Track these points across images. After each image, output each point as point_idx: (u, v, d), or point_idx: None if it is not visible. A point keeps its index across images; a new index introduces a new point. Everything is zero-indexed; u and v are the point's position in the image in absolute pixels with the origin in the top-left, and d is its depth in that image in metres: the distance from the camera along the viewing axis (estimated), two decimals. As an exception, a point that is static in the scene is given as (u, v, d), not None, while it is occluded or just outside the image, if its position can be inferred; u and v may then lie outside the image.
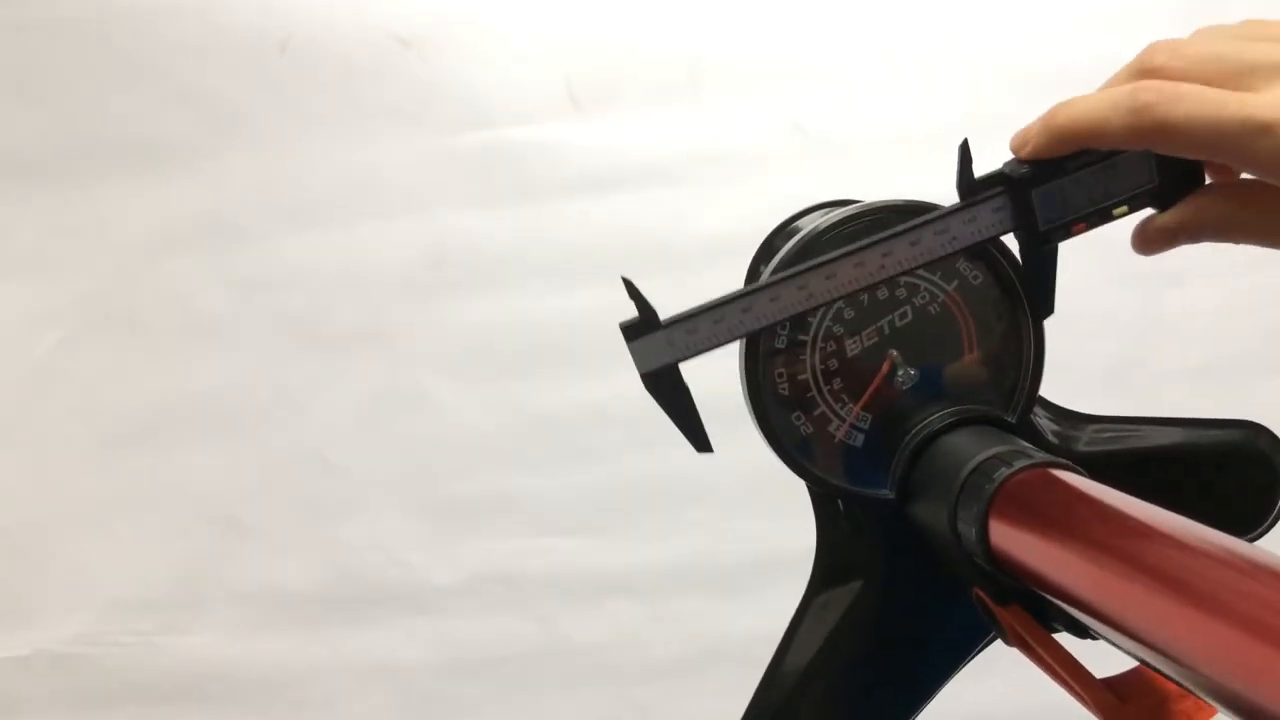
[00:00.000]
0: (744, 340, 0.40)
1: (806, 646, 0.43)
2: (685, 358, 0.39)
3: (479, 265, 1.06)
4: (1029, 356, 0.40)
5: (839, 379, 0.40)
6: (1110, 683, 0.33)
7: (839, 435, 0.40)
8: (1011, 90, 1.00)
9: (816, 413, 0.40)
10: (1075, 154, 0.37)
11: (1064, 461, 0.34)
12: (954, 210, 0.38)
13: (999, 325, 0.40)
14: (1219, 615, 0.24)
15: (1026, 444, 0.37)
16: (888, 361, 0.40)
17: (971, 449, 0.37)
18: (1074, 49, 0.98)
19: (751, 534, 1.05)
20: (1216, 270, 1.01)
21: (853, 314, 0.39)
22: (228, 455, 1.07)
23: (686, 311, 0.38)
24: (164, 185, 1.07)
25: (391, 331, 1.07)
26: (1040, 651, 0.35)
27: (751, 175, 1.04)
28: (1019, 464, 0.34)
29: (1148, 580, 0.26)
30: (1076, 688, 0.34)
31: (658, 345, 0.38)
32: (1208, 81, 0.33)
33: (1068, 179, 0.37)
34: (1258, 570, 0.24)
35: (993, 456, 0.35)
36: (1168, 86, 0.33)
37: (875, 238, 0.37)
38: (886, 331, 0.40)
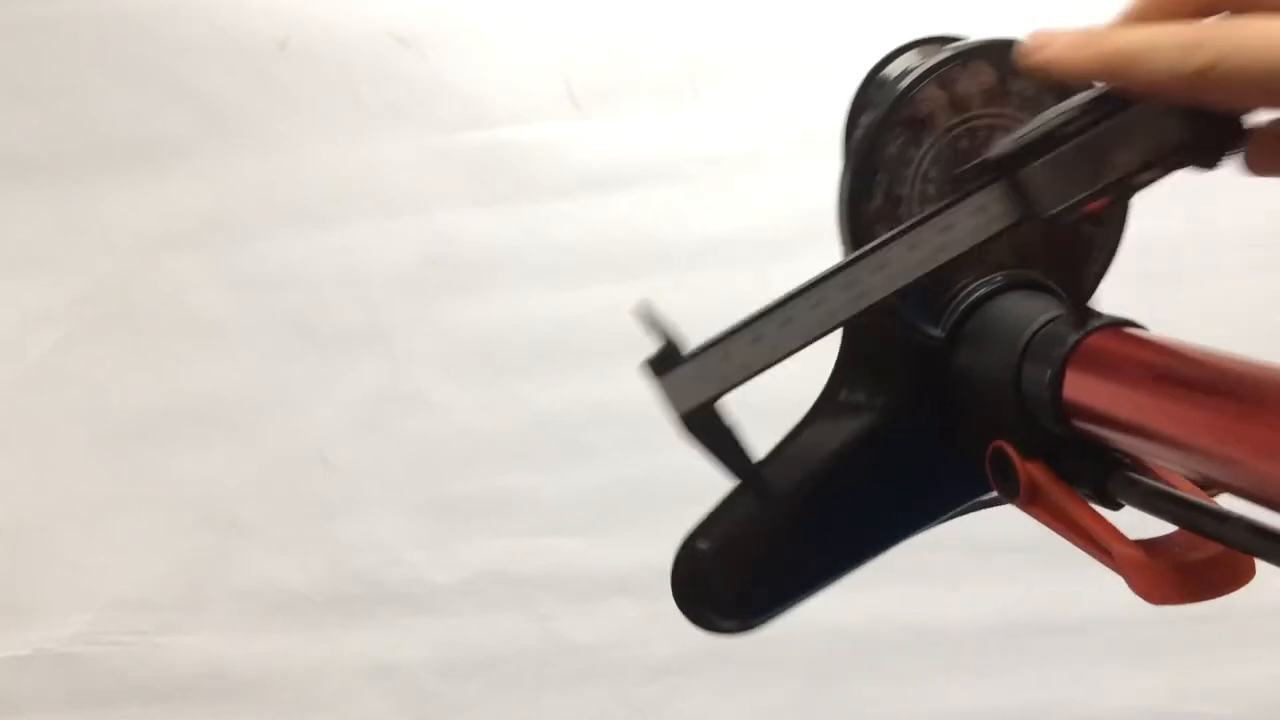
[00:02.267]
0: (853, 155, 0.38)
1: (799, 463, 0.43)
2: (725, 391, 0.35)
3: (479, 265, 1.06)
4: (1106, 243, 0.41)
5: (932, 205, 0.38)
6: (1142, 543, 0.33)
7: None
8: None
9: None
10: (1074, 113, 0.32)
11: (1135, 322, 0.35)
12: (945, 207, 0.35)
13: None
14: None
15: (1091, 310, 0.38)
16: None
17: (1039, 308, 0.37)
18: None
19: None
20: (1217, 270, 1.01)
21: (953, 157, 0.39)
22: (228, 455, 1.07)
23: (716, 336, 0.34)
24: (164, 185, 1.07)
25: (391, 331, 1.07)
26: (1063, 504, 0.35)
27: (751, 175, 1.04)
28: (1094, 323, 0.34)
29: (1250, 409, 0.27)
30: (1100, 539, 0.34)
31: (689, 380, 0.34)
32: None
33: (1068, 148, 0.32)
34: None
35: (1061, 317, 0.36)
36: (1245, 36, 0.26)
37: (900, 229, 0.35)
38: None
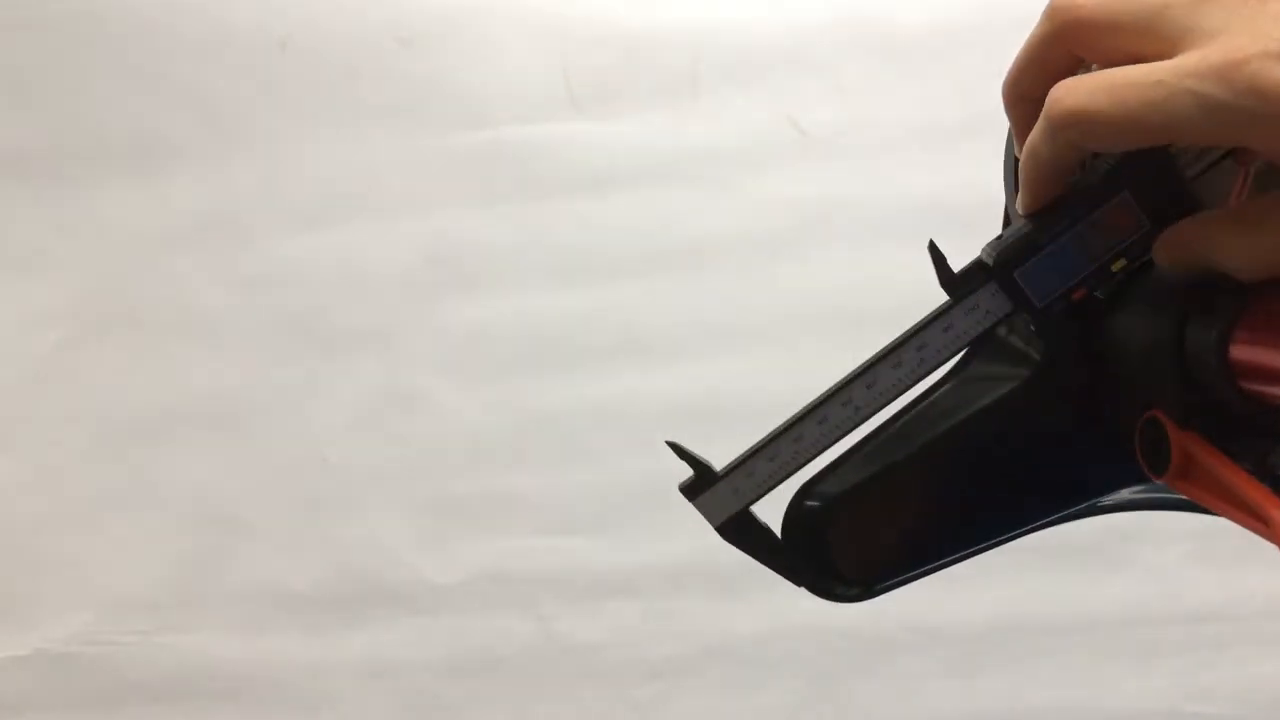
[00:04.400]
0: None
1: (926, 428, 0.41)
2: (754, 500, 0.39)
3: (479, 265, 1.06)
4: None
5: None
6: None
7: None
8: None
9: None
10: (1048, 220, 0.35)
11: None
12: (946, 309, 0.37)
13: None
14: None
15: None
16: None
17: None
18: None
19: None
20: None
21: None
22: (228, 455, 1.07)
23: (739, 458, 0.39)
24: (164, 185, 1.07)
25: (391, 331, 1.07)
26: (1221, 474, 0.34)
27: (751, 175, 1.04)
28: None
29: None
30: (1259, 508, 0.32)
31: (723, 497, 0.40)
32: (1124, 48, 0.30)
33: (1050, 248, 0.35)
34: None
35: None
36: (1078, 86, 0.30)
37: (888, 347, 0.38)
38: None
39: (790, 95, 1.04)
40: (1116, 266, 0.36)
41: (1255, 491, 0.33)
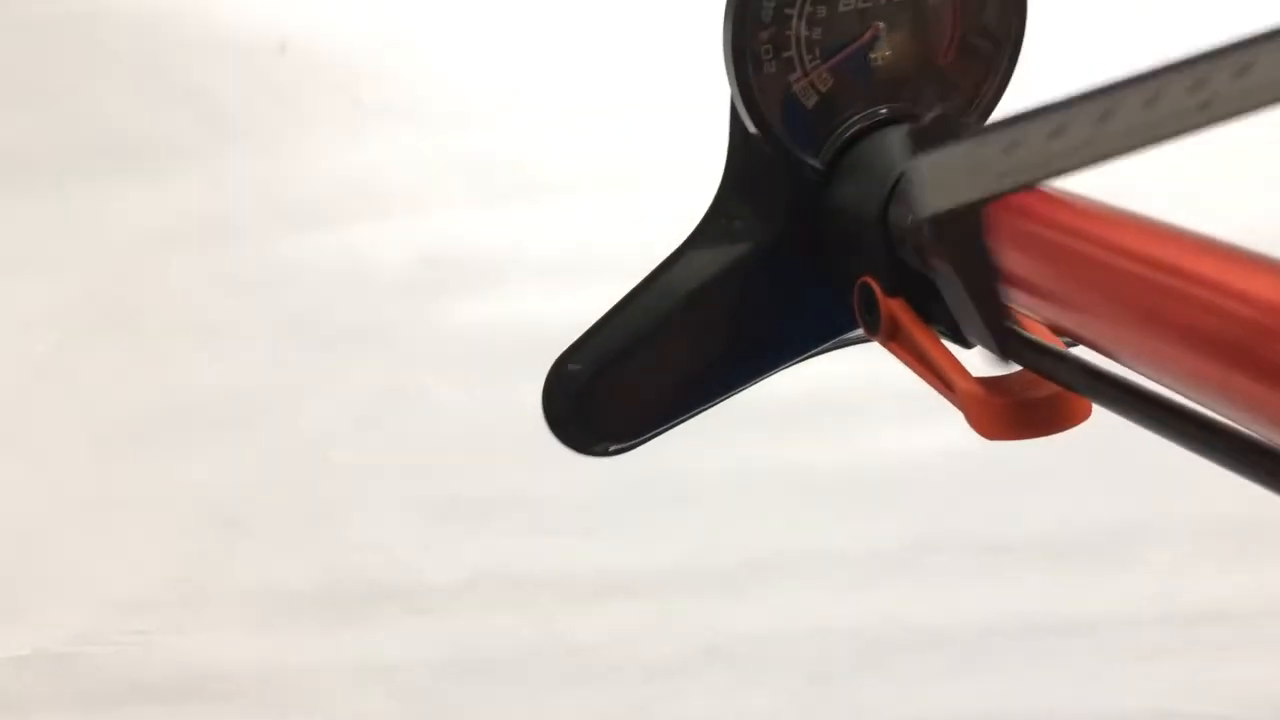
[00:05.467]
0: None
1: (677, 286, 0.44)
2: (1002, 192, 0.27)
3: (479, 265, 1.06)
4: (997, 74, 0.40)
5: (820, 30, 0.39)
6: (984, 379, 0.35)
7: (795, 87, 0.39)
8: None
9: (786, 55, 0.39)
10: None
11: None
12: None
13: (979, 33, 0.40)
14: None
15: None
16: (871, 31, 0.39)
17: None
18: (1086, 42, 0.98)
19: (751, 534, 1.05)
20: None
21: None
22: (228, 455, 1.07)
23: (998, 123, 0.26)
24: (164, 185, 1.07)
25: (391, 331, 1.07)
26: (918, 340, 0.36)
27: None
28: None
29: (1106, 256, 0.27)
30: (947, 376, 0.35)
31: (955, 167, 0.28)
32: None
33: None
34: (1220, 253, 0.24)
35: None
36: None
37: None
38: (882, 1, 0.39)
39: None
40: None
41: (944, 358, 0.36)
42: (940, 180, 0.29)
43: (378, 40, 1.06)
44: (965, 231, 0.31)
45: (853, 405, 1.02)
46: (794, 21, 0.39)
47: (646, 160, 1.05)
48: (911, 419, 1.01)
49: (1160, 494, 1.04)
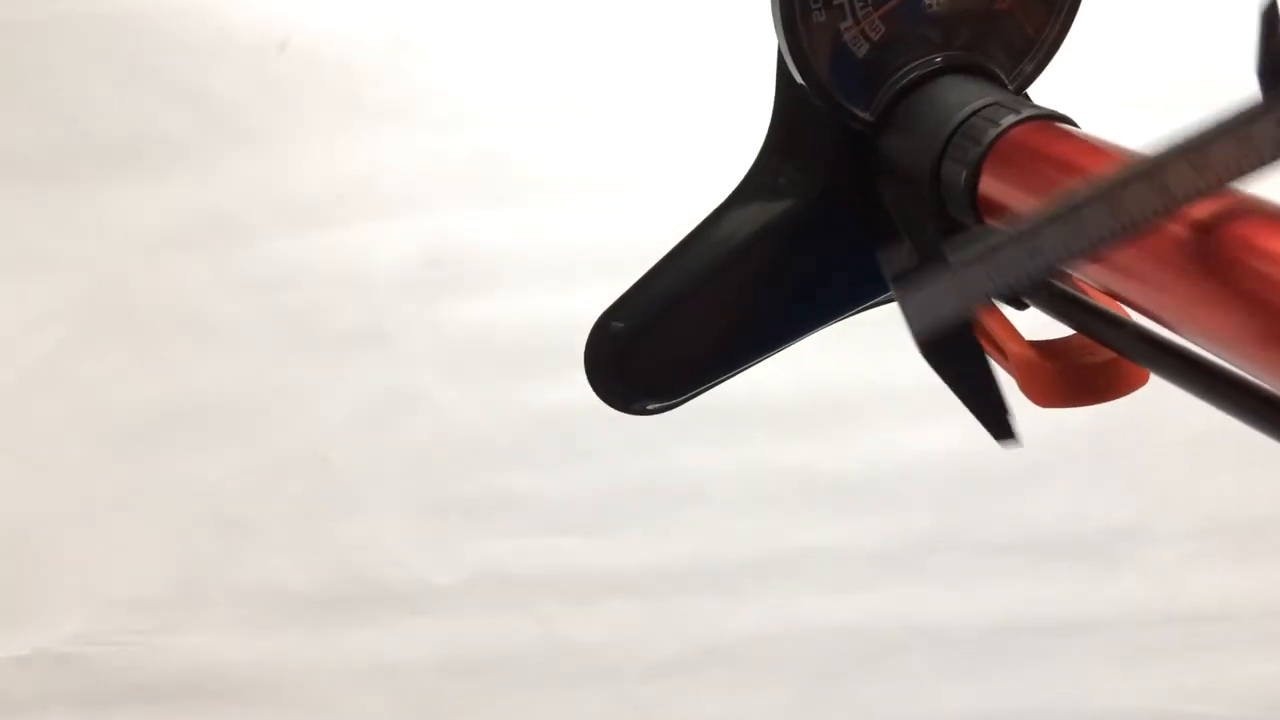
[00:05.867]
0: None
1: (720, 242, 0.42)
2: (1001, 293, 0.27)
3: (479, 265, 1.06)
4: (1053, 30, 0.39)
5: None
6: (1038, 344, 0.33)
7: (846, 35, 0.37)
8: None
9: (837, 1, 0.37)
10: None
11: (1067, 116, 0.33)
12: (1262, 111, 0.24)
13: None
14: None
15: (1028, 99, 0.36)
16: None
17: (975, 93, 0.35)
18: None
19: (751, 534, 1.04)
20: None
21: None
22: (228, 455, 1.07)
23: (1023, 227, 0.26)
24: (164, 185, 1.07)
25: (391, 331, 1.07)
26: None
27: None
28: (1027, 112, 0.33)
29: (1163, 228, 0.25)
30: (1001, 340, 0.34)
31: (961, 286, 0.27)
32: None
33: None
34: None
35: (997, 103, 0.34)
36: None
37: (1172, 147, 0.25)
38: None
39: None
40: None
41: (996, 322, 0.34)
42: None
43: (378, 41, 1.06)
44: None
45: (853, 405, 1.02)
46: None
47: (647, 160, 1.05)
48: (912, 419, 1.01)
49: (1160, 494, 1.04)
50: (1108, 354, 0.32)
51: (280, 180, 1.06)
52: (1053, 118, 0.33)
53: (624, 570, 1.06)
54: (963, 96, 0.36)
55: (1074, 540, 1.05)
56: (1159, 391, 0.30)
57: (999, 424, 0.31)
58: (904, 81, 0.38)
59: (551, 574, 1.07)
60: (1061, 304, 0.32)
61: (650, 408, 0.44)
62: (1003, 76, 0.38)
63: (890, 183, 0.38)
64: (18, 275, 1.08)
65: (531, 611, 1.07)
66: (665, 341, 0.43)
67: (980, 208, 0.33)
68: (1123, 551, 1.05)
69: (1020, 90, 0.39)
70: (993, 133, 0.33)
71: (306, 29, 1.06)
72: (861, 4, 0.37)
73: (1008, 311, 0.35)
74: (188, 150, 1.06)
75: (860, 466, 1.04)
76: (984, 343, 0.35)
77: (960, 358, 0.30)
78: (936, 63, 0.38)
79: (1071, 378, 0.32)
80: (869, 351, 0.91)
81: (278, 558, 1.07)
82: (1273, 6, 0.24)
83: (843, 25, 0.37)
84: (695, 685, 1.06)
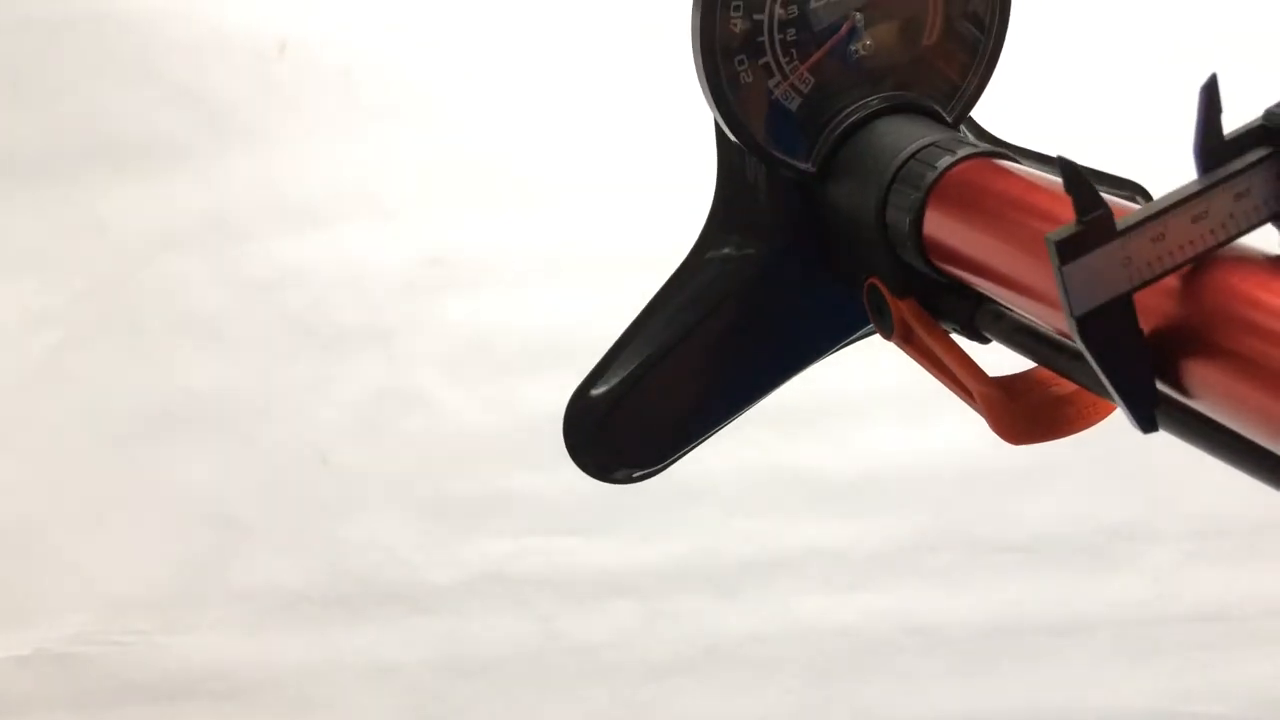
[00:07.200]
0: None
1: (684, 306, 0.42)
2: (1145, 283, 0.26)
3: (479, 265, 1.06)
4: (984, 58, 0.39)
5: (794, 30, 0.37)
6: (1001, 381, 0.33)
7: (776, 92, 0.38)
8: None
9: (761, 61, 0.38)
10: None
11: (1006, 151, 0.33)
12: (1204, 188, 0.25)
13: (965, 9, 0.38)
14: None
15: (967, 134, 0.37)
16: (848, 23, 0.38)
17: (911, 134, 0.36)
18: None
19: (751, 534, 1.04)
20: None
21: None
22: (228, 455, 1.07)
23: (1151, 209, 0.25)
24: (164, 185, 1.07)
25: (391, 331, 1.07)
26: (930, 344, 0.35)
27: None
28: (963, 151, 0.33)
29: None
30: (964, 380, 0.34)
31: (1109, 265, 0.25)
32: None
33: None
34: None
35: (934, 144, 0.34)
36: None
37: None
38: None
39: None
40: None
41: (960, 362, 0.34)
42: (1094, 278, 0.25)
43: (378, 39, 1.06)
44: (1115, 324, 0.26)
45: (853, 406, 1.02)
46: (765, 26, 0.37)
47: (651, 161, 1.05)
48: (911, 420, 1.01)
49: (1160, 494, 1.04)
50: (1070, 387, 0.32)
51: (280, 180, 1.06)
52: (989, 154, 0.33)
53: (624, 570, 1.06)
54: (898, 140, 0.36)
55: (1074, 540, 1.05)
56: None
57: (1144, 413, 0.27)
58: (840, 129, 0.38)
59: (551, 574, 1.07)
60: (1023, 338, 0.32)
61: (636, 475, 0.44)
62: (940, 110, 0.39)
63: (840, 230, 0.38)
64: (18, 275, 1.08)
65: (531, 611, 1.07)
66: (644, 407, 0.42)
67: (927, 250, 0.34)
68: (1123, 551, 1.05)
69: (960, 120, 0.39)
70: (930, 176, 0.33)
71: (306, 29, 1.06)
72: (787, 59, 0.38)
73: (970, 348, 0.35)
74: (188, 150, 1.06)
75: (860, 466, 1.04)
76: (949, 384, 0.35)
77: (1123, 336, 0.26)
78: (872, 105, 0.38)
79: (1037, 413, 0.32)
80: (868, 351, 0.91)
81: (278, 558, 1.07)
82: (1214, 82, 0.24)
83: (771, 83, 0.38)
84: (695, 685, 1.06)
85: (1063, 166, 0.25)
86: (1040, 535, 1.05)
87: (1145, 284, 0.25)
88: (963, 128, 0.40)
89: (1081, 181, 0.25)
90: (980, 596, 1.05)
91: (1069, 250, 0.25)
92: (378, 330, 1.07)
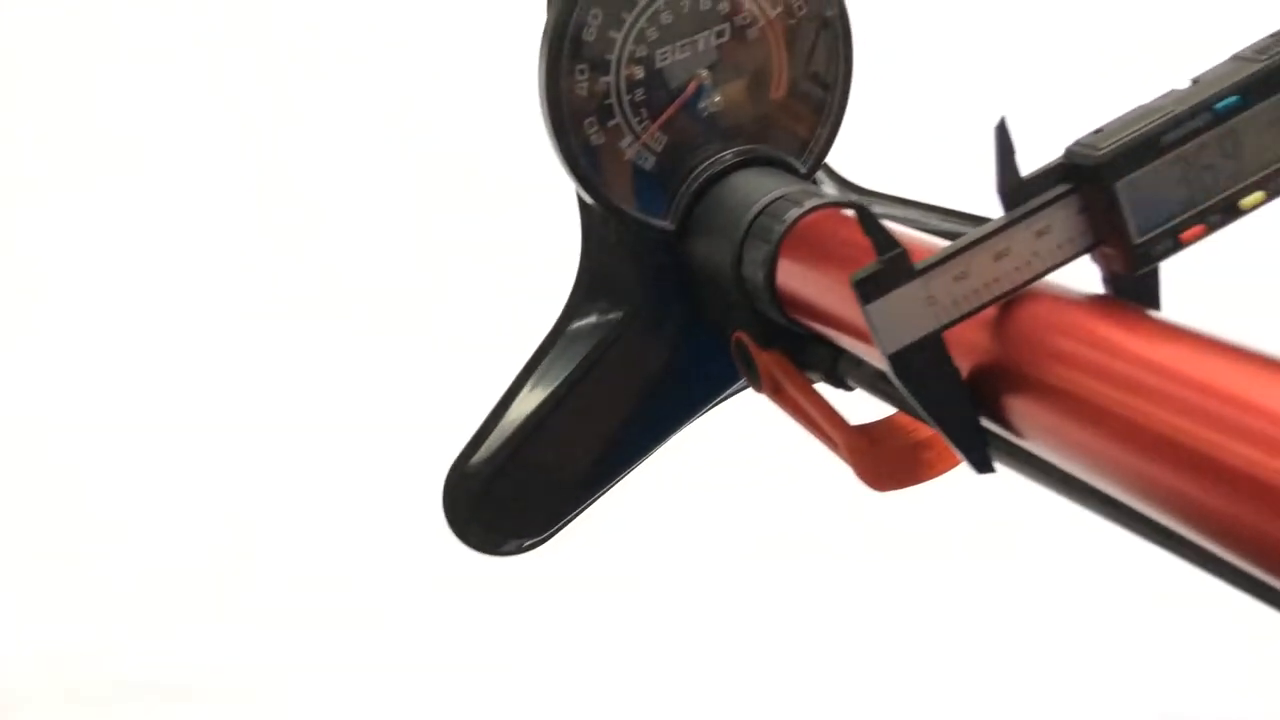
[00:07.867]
0: (551, 26, 0.38)
1: (556, 371, 0.42)
2: (953, 321, 0.26)
3: (479, 263, 1.06)
4: (832, 108, 0.39)
5: (643, 90, 0.38)
6: (863, 429, 0.34)
7: (629, 153, 0.38)
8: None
9: (611, 124, 0.38)
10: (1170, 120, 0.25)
11: (855, 200, 0.34)
12: (1002, 226, 0.26)
13: (809, 68, 0.39)
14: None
15: (821, 185, 0.37)
16: (694, 82, 0.38)
17: (762, 188, 0.36)
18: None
19: (751, 533, 1.04)
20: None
21: (671, 19, 0.37)
22: (228, 454, 1.07)
23: (951, 248, 0.26)
24: (163, 185, 1.07)
25: (391, 330, 1.07)
26: (795, 395, 0.35)
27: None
28: (810, 203, 0.34)
29: None
30: (828, 430, 0.34)
31: (913, 304, 0.26)
32: None
33: (1162, 162, 0.25)
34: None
35: (783, 197, 0.35)
36: None
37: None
38: (700, 48, 0.37)
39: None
40: (1248, 202, 0.27)
41: (824, 413, 0.35)
42: (898, 319, 0.26)
43: (377, 39, 1.06)
44: (928, 362, 0.27)
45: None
46: (613, 87, 0.37)
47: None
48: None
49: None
50: (928, 431, 0.32)
51: (276, 180, 1.06)
52: (836, 204, 0.34)
53: (623, 571, 1.06)
54: (750, 194, 0.36)
55: (1074, 540, 1.05)
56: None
57: (975, 453, 0.28)
58: (695, 185, 0.38)
59: (550, 574, 1.07)
60: (883, 384, 0.32)
61: (526, 545, 0.45)
62: (793, 162, 0.39)
63: (704, 285, 0.38)
64: (18, 275, 1.08)
65: (530, 611, 1.07)
66: (525, 475, 0.42)
67: (782, 302, 0.34)
68: (1122, 551, 1.05)
69: (814, 170, 0.40)
70: (779, 230, 0.33)
71: (306, 29, 1.06)
72: (638, 119, 0.38)
73: (833, 395, 0.35)
74: (185, 149, 1.06)
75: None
76: (817, 434, 0.35)
77: (934, 375, 0.27)
78: (725, 160, 0.38)
79: (898, 458, 0.33)
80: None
81: (277, 558, 1.07)
82: (1003, 125, 0.26)
83: (624, 143, 0.38)
84: (695, 685, 1.06)
85: (858, 212, 0.26)
86: (1040, 535, 1.05)
87: (954, 322, 0.26)
88: (822, 175, 0.41)
89: (874, 224, 0.26)
90: (975, 593, 1.05)
91: (870, 289, 0.26)
92: (378, 329, 1.07)
